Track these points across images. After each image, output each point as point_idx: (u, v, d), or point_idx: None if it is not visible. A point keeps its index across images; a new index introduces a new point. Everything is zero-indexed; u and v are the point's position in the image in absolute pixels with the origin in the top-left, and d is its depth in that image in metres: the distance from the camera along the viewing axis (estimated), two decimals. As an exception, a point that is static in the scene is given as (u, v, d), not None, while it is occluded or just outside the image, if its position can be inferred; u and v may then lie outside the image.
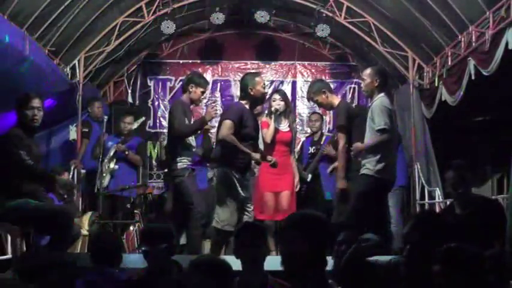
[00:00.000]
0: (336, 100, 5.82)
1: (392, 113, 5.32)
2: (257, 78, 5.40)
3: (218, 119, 5.65)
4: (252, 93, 5.32)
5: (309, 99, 6.03)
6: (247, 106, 5.34)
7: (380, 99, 5.30)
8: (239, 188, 5.16)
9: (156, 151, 8.60)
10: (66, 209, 4.89)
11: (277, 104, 6.22)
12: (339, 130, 5.68)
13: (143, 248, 3.53)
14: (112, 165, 7.24)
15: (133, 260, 4.37)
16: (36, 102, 4.61)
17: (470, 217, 4.03)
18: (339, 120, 5.66)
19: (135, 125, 7.56)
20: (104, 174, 7.14)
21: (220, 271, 2.83)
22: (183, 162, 5.50)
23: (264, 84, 5.48)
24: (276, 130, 6.16)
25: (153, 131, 9.25)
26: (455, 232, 3.82)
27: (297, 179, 6.38)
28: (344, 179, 5.50)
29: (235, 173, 5.16)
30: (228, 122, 5.15)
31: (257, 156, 5.30)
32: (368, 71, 5.45)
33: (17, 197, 4.44)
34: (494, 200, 5.49)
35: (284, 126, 6.27)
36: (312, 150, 7.27)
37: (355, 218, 5.01)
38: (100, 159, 7.03)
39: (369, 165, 5.15)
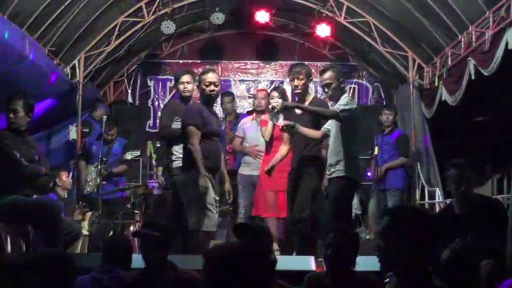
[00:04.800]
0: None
1: None
2: (202, 76, 5.31)
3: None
4: (199, 90, 5.29)
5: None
6: (201, 104, 5.29)
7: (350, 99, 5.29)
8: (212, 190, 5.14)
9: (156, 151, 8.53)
10: (53, 201, 4.83)
11: (275, 101, 6.17)
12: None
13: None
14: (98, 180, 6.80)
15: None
16: (13, 104, 4.46)
17: (469, 217, 4.00)
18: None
19: (129, 157, 7.04)
20: (91, 184, 6.92)
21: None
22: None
23: (208, 81, 5.20)
24: (275, 127, 6.12)
25: (153, 131, 9.23)
26: (452, 232, 3.83)
27: None
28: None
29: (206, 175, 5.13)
30: (192, 129, 5.04)
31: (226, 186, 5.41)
32: (333, 73, 5.20)
33: (8, 194, 4.42)
34: (494, 198, 5.46)
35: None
36: None
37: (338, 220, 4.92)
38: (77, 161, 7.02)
39: (339, 167, 5.09)
